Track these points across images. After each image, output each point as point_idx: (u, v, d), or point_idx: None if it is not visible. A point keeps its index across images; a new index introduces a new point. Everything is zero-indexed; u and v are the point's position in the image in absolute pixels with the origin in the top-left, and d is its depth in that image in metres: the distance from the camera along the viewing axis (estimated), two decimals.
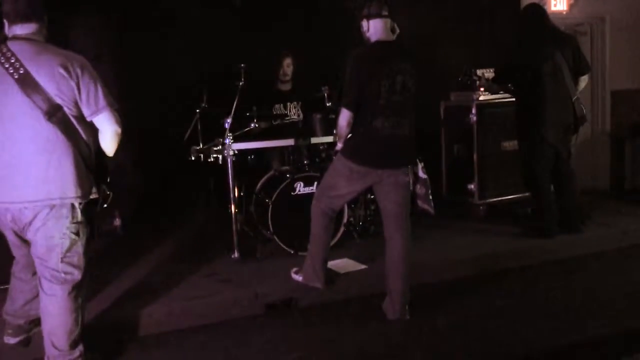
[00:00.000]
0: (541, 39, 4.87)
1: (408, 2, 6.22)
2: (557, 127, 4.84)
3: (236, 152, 4.62)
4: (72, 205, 2.94)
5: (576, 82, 4.95)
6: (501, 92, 5.46)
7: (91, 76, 2.91)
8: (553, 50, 4.80)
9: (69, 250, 2.97)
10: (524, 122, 4.98)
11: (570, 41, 4.99)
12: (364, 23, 3.64)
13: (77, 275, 3.02)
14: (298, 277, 4.14)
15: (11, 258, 3.23)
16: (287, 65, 5.53)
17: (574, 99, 4.87)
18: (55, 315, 3.00)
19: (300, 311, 4.03)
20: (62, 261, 2.97)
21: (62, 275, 2.98)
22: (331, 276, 4.19)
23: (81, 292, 3.07)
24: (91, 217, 3.11)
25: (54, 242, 2.93)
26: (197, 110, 4.96)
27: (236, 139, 4.64)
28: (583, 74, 4.99)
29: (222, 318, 3.87)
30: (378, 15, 3.60)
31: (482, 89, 5.64)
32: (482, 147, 5.64)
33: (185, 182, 5.84)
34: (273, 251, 4.69)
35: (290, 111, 5.50)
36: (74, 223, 2.96)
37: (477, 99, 5.64)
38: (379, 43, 3.61)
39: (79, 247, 3.01)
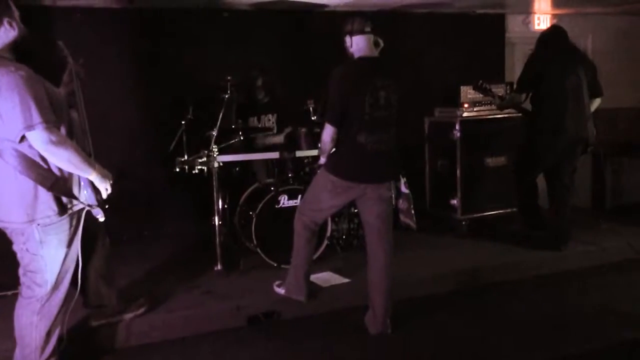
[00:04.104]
0: (566, 55, 4.98)
1: (394, 19, 6.32)
2: (571, 140, 4.93)
3: (221, 164, 4.63)
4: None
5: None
6: (520, 104, 5.30)
7: (14, 92, 2.69)
8: (576, 66, 4.93)
9: (28, 265, 3.00)
10: (536, 131, 5.04)
11: (590, 62, 5.13)
12: (347, 39, 3.67)
13: (37, 292, 3.02)
14: (280, 290, 4.15)
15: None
16: (260, 84, 5.52)
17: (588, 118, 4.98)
18: (16, 326, 3.08)
19: (282, 324, 4.03)
20: (24, 274, 3.04)
21: (24, 288, 3.05)
22: (314, 289, 4.20)
23: (42, 311, 3.04)
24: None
25: (18, 254, 3.03)
26: (183, 122, 4.97)
27: (221, 151, 4.65)
28: (597, 97, 5.11)
29: (204, 331, 3.87)
30: (361, 32, 3.62)
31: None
32: (465, 163, 5.70)
33: (169, 193, 5.84)
34: (256, 264, 4.69)
35: (263, 124, 5.50)
36: (29, 242, 2.95)
37: (461, 116, 5.71)
38: (362, 59, 3.64)
39: (42, 266, 2.99)
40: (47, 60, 3.13)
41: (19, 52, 2.93)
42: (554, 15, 7.00)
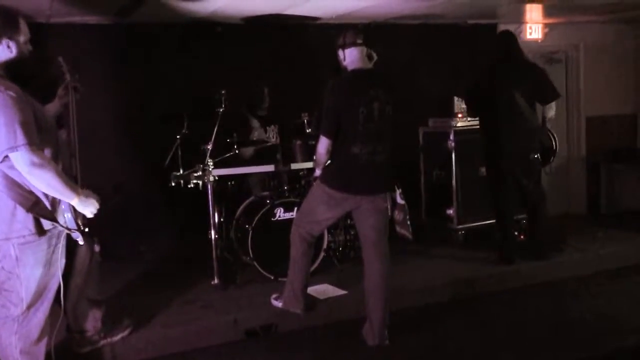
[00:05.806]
0: (499, 72, 4.91)
1: (388, 30, 6.35)
2: (514, 157, 4.88)
3: (216, 178, 4.64)
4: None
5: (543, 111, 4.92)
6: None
7: (1, 112, 2.68)
8: (508, 83, 4.81)
9: (3, 284, 2.94)
10: (486, 151, 5.08)
11: (532, 72, 4.90)
12: (340, 52, 3.71)
13: (12, 311, 2.96)
14: (278, 303, 4.15)
15: None
16: (266, 95, 5.57)
17: (536, 129, 4.87)
18: None
19: (280, 337, 4.03)
20: None
21: None
22: (311, 302, 4.20)
23: (20, 330, 2.98)
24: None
25: None
26: (178, 136, 4.98)
27: (216, 165, 4.66)
28: (547, 103, 4.86)
29: (202, 344, 3.86)
30: (353, 44, 3.66)
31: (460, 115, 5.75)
32: (460, 172, 5.72)
33: (165, 208, 5.83)
34: (253, 277, 4.69)
35: (269, 135, 5.54)
36: (6, 259, 2.90)
37: (455, 126, 5.73)
38: (355, 71, 3.67)
39: (17, 286, 2.93)
40: (41, 77, 3.13)
41: (13, 69, 2.91)
42: (546, 25, 7.05)
